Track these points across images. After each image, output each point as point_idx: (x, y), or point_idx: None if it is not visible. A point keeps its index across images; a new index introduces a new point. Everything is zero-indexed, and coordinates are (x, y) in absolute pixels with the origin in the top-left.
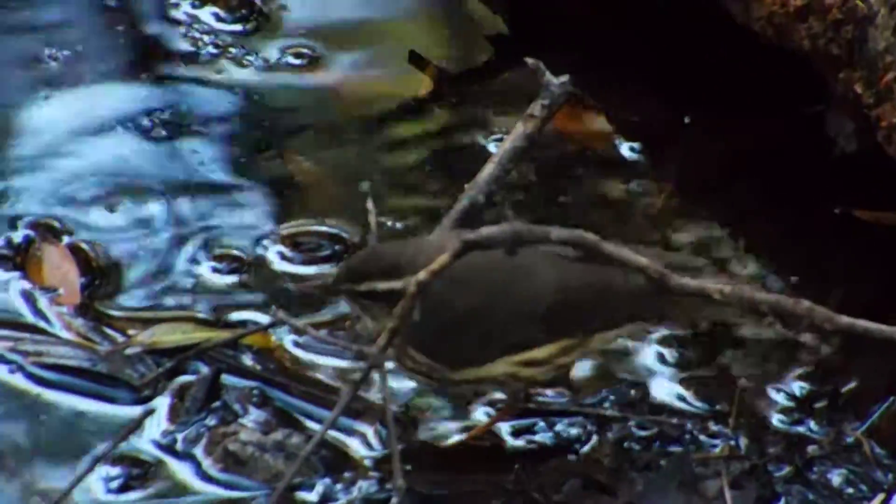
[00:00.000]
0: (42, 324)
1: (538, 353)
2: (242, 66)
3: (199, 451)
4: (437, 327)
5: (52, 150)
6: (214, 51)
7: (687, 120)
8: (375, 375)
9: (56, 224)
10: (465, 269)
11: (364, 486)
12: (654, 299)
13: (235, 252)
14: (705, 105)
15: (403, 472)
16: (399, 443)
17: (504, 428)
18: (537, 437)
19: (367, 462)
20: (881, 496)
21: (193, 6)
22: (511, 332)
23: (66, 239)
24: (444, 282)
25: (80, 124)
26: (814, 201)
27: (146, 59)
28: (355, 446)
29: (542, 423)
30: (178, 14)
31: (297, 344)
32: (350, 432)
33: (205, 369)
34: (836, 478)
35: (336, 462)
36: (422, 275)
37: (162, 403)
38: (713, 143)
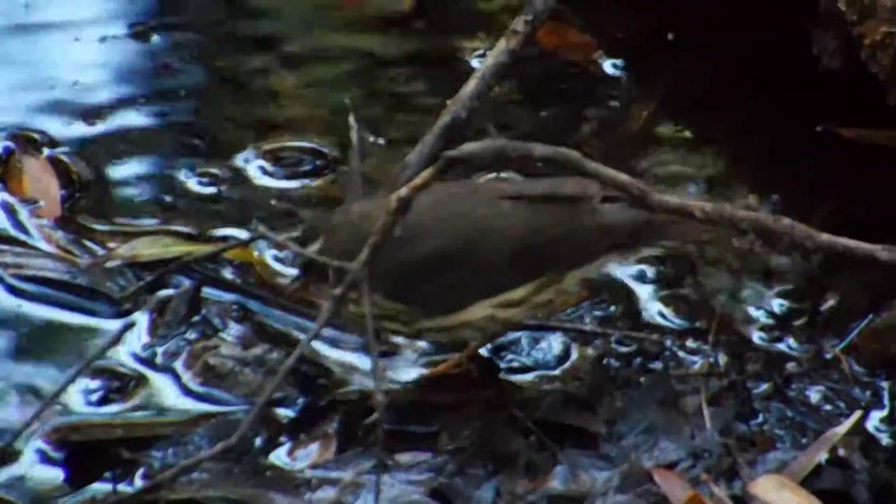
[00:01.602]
0: (22, 236)
1: (514, 294)
2: None
3: (179, 365)
4: (409, 272)
5: (32, 60)
6: None
7: (671, 37)
8: None
9: (37, 136)
10: (434, 214)
11: (344, 402)
12: (624, 234)
13: (217, 166)
14: (689, 23)
15: (384, 389)
16: (381, 358)
17: (492, 343)
18: (518, 353)
19: (347, 378)
20: (859, 413)
21: None
22: (485, 275)
23: (46, 151)
24: (415, 227)
25: (60, 35)
26: (797, 119)
27: None
28: (336, 362)
29: (522, 339)
30: None
31: (277, 258)
32: (331, 348)
33: (185, 283)
34: (814, 395)
35: (316, 377)
36: (403, 191)
37: (142, 317)
38: (697, 60)
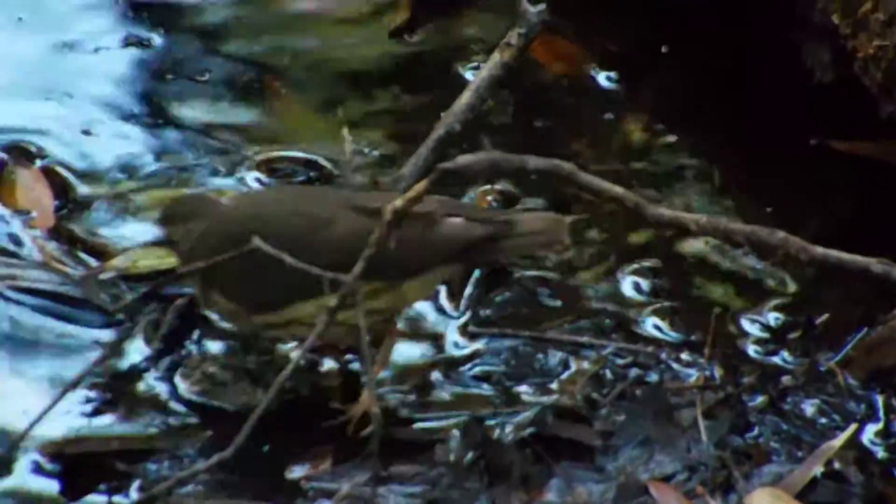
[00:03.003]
0: (15, 247)
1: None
2: None
3: (174, 377)
4: (237, 270)
5: (28, 73)
6: None
7: (664, 49)
8: None
9: (30, 147)
10: (266, 213)
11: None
12: (456, 250)
13: (211, 177)
14: (683, 35)
15: (378, 400)
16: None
17: (487, 355)
18: (513, 365)
19: (342, 388)
20: (854, 426)
21: None
22: (308, 275)
23: (39, 162)
24: (244, 225)
25: (57, 48)
26: (790, 132)
27: None
28: (331, 373)
29: (517, 352)
30: None
31: None
32: (325, 360)
33: (181, 295)
34: (809, 408)
35: (311, 388)
36: (398, 202)
37: (137, 328)
38: (690, 72)
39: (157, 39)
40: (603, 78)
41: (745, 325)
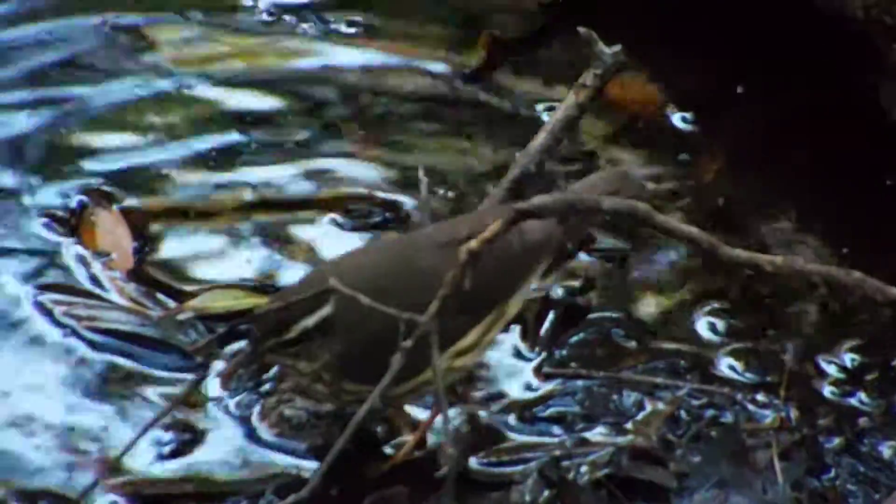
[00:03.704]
0: (95, 289)
1: (466, 340)
2: (296, 33)
3: (252, 417)
4: (368, 354)
5: (108, 115)
6: (268, 18)
7: (740, 90)
8: None
9: (110, 189)
10: (370, 288)
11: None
12: (553, 243)
13: (287, 219)
14: (758, 75)
15: (452, 442)
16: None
17: (562, 396)
18: (588, 406)
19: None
20: None
21: None
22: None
23: (118, 204)
24: (354, 309)
25: (142, 90)
26: (867, 172)
27: None
28: (406, 415)
29: (591, 392)
30: None
31: None
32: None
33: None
34: (886, 450)
35: (386, 429)
36: (473, 244)
37: (215, 369)
38: (766, 113)
39: (236, 79)
40: (678, 118)
41: (822, 366)
